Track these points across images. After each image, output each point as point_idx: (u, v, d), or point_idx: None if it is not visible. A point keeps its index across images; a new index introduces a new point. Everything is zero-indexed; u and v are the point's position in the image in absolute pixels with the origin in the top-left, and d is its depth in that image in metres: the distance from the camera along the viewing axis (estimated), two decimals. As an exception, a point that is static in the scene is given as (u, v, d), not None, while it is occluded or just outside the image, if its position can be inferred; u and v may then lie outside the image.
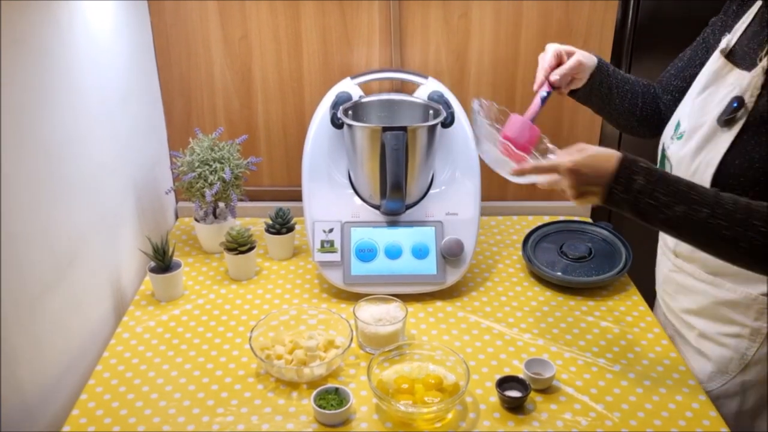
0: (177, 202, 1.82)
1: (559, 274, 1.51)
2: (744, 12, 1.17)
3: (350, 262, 1.44)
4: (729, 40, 1.16)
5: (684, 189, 1.00)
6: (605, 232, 1.62)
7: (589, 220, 1.78)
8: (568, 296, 1.47)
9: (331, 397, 1.14)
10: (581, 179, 1.04)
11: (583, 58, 1.27)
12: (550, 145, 1.20)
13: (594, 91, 1.31)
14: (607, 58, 1.70)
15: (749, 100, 1.06)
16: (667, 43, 1.78)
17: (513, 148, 1.11)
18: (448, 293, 1.47)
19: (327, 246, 1.45)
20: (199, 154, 1.54)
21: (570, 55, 1.27)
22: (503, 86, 1.72)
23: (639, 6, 1.72)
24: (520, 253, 1.60)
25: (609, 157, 1.03)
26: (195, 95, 1.73)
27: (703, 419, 1.14)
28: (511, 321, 1.39)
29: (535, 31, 1.66)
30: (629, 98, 1.33)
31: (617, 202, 1.03)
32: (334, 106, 1.47)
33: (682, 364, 1.27)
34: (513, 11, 1.64)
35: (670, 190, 1.00)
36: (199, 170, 1.53)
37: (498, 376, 1.19)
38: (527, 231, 1.64)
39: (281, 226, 1.59)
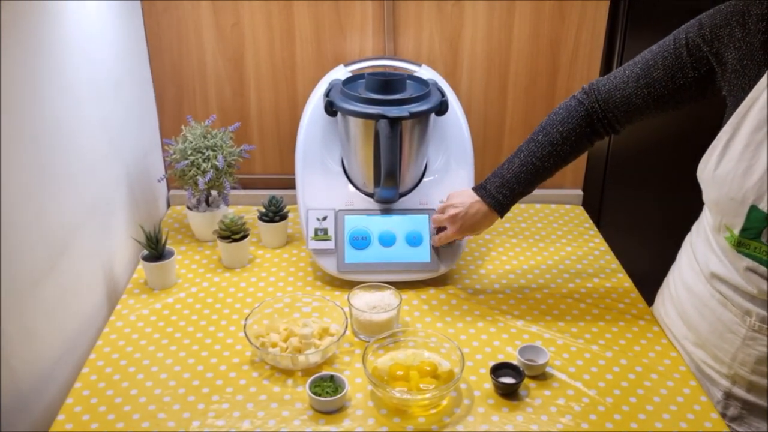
0: (169, 190, 1.82)
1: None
2: None
3: (344, 250, 1.44)
4: None
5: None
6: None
7: None
8: (560, 284, 1.48)
9: (327, 385, 1.15)
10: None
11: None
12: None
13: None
14: (600, 45, 1.70)
15: None
16: (662, 27, 1.79)
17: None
18: (442, 281, 1.48)
19: (321, 234, 1.45)
20: (191, 142, 1.53)
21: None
22: (496, 73, 1.72)
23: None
24: (513, 240, 1.60)
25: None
26: (187, 83, 1.72)
27: (694, 404, 1.15)
28: (505, 308, 1.40)
29: (528, 19, 1.66)
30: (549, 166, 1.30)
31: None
32: (328, 93, 1.46)
33: (673, 349, 1.28)
34: (506, -2, 1.64)
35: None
36: (191, 158, 1.52)
37: (492, 363, 1.20)
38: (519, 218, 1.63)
39: (274, 214, 1.59)
